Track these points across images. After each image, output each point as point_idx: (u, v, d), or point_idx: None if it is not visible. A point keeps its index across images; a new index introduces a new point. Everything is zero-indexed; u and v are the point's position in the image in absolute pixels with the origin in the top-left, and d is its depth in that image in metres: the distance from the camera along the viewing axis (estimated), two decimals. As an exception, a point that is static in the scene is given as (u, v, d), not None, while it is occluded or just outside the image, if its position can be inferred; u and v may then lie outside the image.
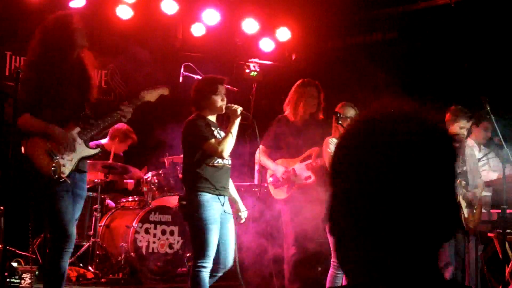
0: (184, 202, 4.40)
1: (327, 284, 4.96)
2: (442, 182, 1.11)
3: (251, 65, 7.96)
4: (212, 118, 4.57)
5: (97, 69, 8.00)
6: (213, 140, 4.36)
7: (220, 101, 4.49)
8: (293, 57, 8.55)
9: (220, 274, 4.57)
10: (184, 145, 4.52)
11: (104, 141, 7.00)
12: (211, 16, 7.84)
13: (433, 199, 1.09)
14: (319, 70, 7.30)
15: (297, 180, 5.48)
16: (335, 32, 8.12)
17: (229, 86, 6.80)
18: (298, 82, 5.81)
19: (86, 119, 4.10)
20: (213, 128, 4.48)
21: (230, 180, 4.68)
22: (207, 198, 4.33)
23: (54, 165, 3.90)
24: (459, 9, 6.92)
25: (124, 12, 7.50)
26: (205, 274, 4.30)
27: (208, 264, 4.30)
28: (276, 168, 5.61)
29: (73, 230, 3.94)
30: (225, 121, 4.70)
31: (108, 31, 7.65)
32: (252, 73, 8.02)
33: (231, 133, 4.43)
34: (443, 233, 1.11)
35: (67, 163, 4.00)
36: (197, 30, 7.96)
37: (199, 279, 4.27)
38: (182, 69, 6.65)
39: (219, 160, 4.43)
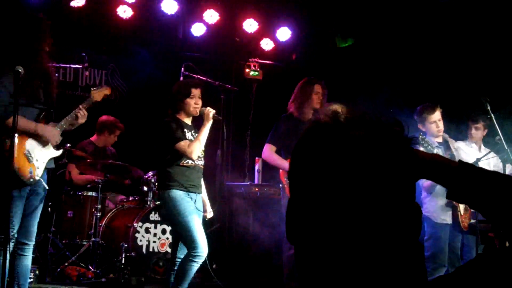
0: (158, 202, 4.53)
1: None
2: (399, 183, 1.08)
3: (252, 64, 7.98)
4: (187, 120, 4.70)
5: (97, 68, 8.02)
6: (183, 142, 4.50)
7: (194, 104, 4.64)
8: (294, 57, 8.55)
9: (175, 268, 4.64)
10: (156, 145, 4.62)
11: (92, 138, 7.01)
12: (211, 16, 7.84)
13: (391, 202, 1.07)
14: (319, 70, 7.29)
15: None
16: (335, 32, 8.11)
17: (229, 86, 6.83)
18: (304, 80, 5.80)
19: (50, 117, 4.11)
20: (186, 130, 4.62)
21: (202, 181, 4.79)
22: (179, 193, 4.46)
23: (30, 168, 3.91)
24: (459, 9, 6.92)
25: (125, 12, 7.50)
26: (195, 265, 4.41)
27: (202, 252, 4.40)
28: None
29: (14, 234, 3.91)
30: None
31: (108, 31, 7.66)
32: (253, 73, 8.04)
33: (201, 135, 4.57)
34: (404, 238, 1.08)
35: (41, 166, 4.01)
36: (198, 30, 7.96)
37: (187, 269, 4.39)
38: (182, 69, 6.65)
39: (189, 160, 4.54)
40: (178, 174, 4.50)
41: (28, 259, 4.10)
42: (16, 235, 3.95)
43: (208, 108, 4.67)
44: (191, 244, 4.39)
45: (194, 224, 4.42)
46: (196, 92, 4.65)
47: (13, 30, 4.02)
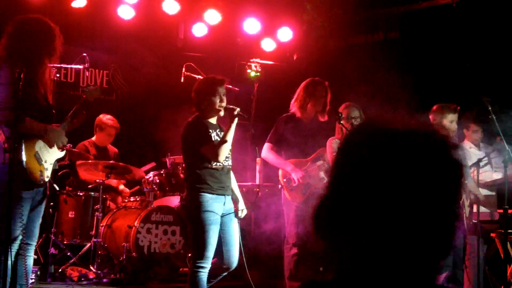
0: (185, 202, 4.46)
1: None
2: (443, 195, 1.10)
3: (253, 65, 7.95)
4: (213, 119, 4.59)
5: (99, 69, 8.02)
6: (208, 145, 4.41)
7: (219, 103, 4.51)
8: (295, 57, 8.54)
9: (224, 274, 4.60)
10: (183, 147, 4.55)
11: (93, 138, 7.02)
12: (212, 16, 7.83)
13: (432, 212, 1.08)
14: (320, 70, 7.29)
15: (312, 182, 5.43)
16: (336, 32, 8.11)
17: (230, 86, 6.81)
18: (308, 81, 5.80)
19: (53, 122, 4.11)
20: (211, 130, 4.51)
21: (233, 179, 4.71)
22: (207, 198, 4.37)
23: (41, 169, 3.93)
24: (460, 9, 6.91)
25: (126, 12, 7.50)
26: (203, 274, 4.33)
27: (207, 264, 4.34)
28: (294, 170, 5.53)
29: (19, 235, 3.90)
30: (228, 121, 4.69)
31: (110, 31, 7.66)
32: (254, 73, 8.02)
33: (227, 136, 4.46)
34: (439, 248, 1.10)
35: (49, 167, 4.02)
36: (199, 30, 7.95)
37: (197, 280, 4.31)
38: (183, 69, 6.64)
39: (217, 162, 4.47)
40: (207, 176, 4.40)
41: (29, 259, 4.11)
42: (18, 235, 3.94)
43: (233, 106, 4.56)
44: (199, 254, 4.32)
45: (211, 235, 4.33)
46: (221, 90, 4.53)
47: (18, 34, 4.01)
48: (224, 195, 4.49)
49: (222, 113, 4.56)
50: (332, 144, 5.06)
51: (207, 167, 4.43)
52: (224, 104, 4.53)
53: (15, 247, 3.93)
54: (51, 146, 4.02)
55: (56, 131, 4.03)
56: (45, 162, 3.99)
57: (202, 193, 4.37)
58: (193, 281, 4.31)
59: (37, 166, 3.92)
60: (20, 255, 4.02)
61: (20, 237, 3.93)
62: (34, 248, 4.18)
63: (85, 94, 4.37)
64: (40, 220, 4.14)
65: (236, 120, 4.52)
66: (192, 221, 4.41)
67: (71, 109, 4.24)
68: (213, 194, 4.40)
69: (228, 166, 4.56)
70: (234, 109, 4.52)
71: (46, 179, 3.99)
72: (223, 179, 4.49)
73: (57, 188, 4.16)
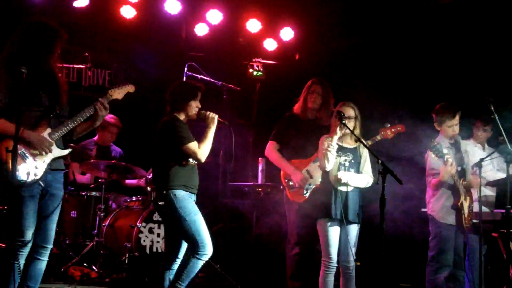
0: (161, 203, 4.49)
1: (320, 281, 4.96)
2: None
3: (255, 64, 7.98)
4: (184, 121, 4.70)
5: (101, 68, 8.02)
6: (193, 143, 4.51)
7: (196, 107, 4.67)
8: (297, 57, 8.54)
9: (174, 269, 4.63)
10: (160, 144, 4.58)
11: (94, 138, 7.01)
12: (214, 16, 7.84)
13: None
14: (322, 70, 7.29)
15: (313, 182, 5.43)
16: (338, 32, 8.11)
17: (232, 86, 6.82)
18: (310, 80, 5.86)
19: (56, 120, 4.06)
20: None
21: None
22: (182, 194, 4.48)
23: (27, 167, 3.87)
24: (462, 8, 6.90)
25: (128, 12, 7.50)
26: (201, 263, 4.45)
27: (209, 252, 4.44)
28: (295, 173, 5.52)
29: (30, 236, 3.87)
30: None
31: (112, 31, 7.66)
32: (256, 73, 8.04)
33: (208, 139, 4.60)
34: None
35: (41, 165, 3.95)
36: (201, 30, 7.96)
37: (191, 266, 4.42)
38: (185, 69, 6.64)
39: (190, 160, 4.56)
40: (181, 174, 4.51)
41: (43, 263, 4.06)
42: (31, 238, 3.89)
43: (211, 112, 4.68)
44: (198, 244, 4.40)
45: (201, 223, 4.45)
46: (200, 95, 4.70)
47: (20, 34, 4.01)
48: (194, 193, 4.62)
49: (195, 117, 4.69)
50: (324, 142, 4.99)
51: (181, 165, 4.52)
52: (198, 109, 4.67)
53: (26, 249, 3.90)
54: (28, 149, 3.90)
55: (36, 136, 3.93)
56: (33, 160, 3.91)
57: (177, 190, 4.47)
58: (187, 265, 4.42)
59: (21, 163, 3.84)
60: (34, 258, 4.00)
61: (31, 238, 3.88)
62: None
63: (110, 92, 4.33)
64: (55, 223, 4.09)
65: (215, 124, 4.65)
66: (177, 218, 4.47)
67: (72, 108, 4.22)
68: (186, 192, 4.51)
69: (195, 165, 4.66)
70: (214, 116, 4.65)
71: (36, 177, 3.90)
72: (194, 178, 4.62)
73: (46, 187, 4.01)
